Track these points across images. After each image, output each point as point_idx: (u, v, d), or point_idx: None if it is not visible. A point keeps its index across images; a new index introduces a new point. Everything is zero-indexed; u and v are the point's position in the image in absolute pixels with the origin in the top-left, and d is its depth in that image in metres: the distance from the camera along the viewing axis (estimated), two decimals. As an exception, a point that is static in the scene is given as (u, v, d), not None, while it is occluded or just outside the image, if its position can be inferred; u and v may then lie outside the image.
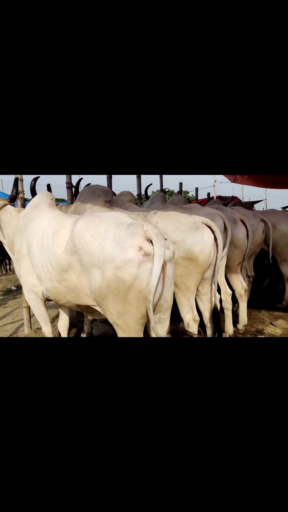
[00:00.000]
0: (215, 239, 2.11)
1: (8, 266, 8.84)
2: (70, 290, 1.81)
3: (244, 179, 7.05)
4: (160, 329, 1.71)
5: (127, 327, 1.60)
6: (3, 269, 8.59)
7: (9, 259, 8.53)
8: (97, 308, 1.74)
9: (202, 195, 9.19)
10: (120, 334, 1.67)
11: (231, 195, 10.95)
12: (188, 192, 19.21)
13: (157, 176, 6.10)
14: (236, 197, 12.27)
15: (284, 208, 14.86)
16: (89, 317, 2.74)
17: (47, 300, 2.27)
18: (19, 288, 5.93)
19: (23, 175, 3.23)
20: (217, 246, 2.13)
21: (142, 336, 1.66)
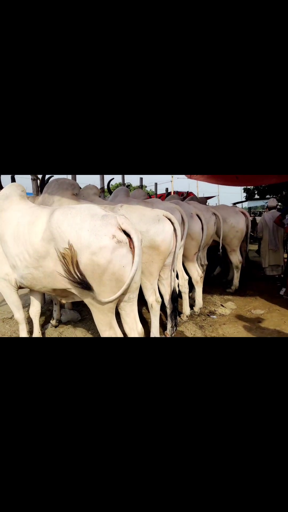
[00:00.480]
0: (175, 230, 2.43)
1: None
2: (47, 275, 1.98)
3: (199, 175, 7.57)
4: (129, 306, 1.98)
5: (101, 306, 1.84)
6: None
7: None
8: (73, 291, 1.94)
9: (160, 190, 9.60)
10: (95, 312, 1.90)
11: (187, 191, 11.55)
12: (146, 186, 19.69)
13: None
14: (191, 193, 12.95)
15: (234, 204, 16.06)
16: (63, 301, 2.90)
17: (19, 287, 2.39)
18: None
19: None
20: (176, 236, 2.46)
21: (113, 313, 1.91)
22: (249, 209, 16.67)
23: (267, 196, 14.97)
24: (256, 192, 16.25)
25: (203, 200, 6.49)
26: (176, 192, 9.23)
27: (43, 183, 3.47)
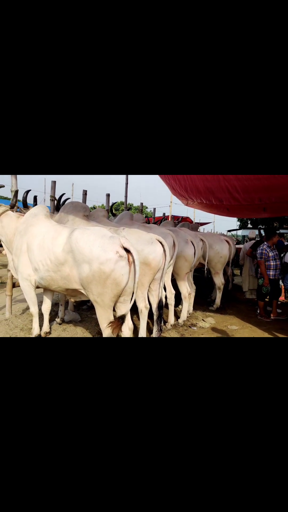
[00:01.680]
0: (164, 251, 3.08)
1: None
2: (63, 278, 2.59)
3: (195, 204, 8.35)
4: (124, 306, 2.59)
5: (103, 303, 2.44)
6: None
7: None
8: (82, 291, 2.55)
9: (159, 213, 10.41)
10: (98, 309, 2.50)
11: (184, 215, 12.38)
12: (147, 207, 20.79)
13: (123, 193, 7.03)
14: (188, 218, 13.79)
15: (229, 230, 16.90)
16: (72, 300, 3.47)
17: (37, 287, 2.98)
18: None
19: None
20: (165, 256, 3.10)
21: (112, 309, 2.51)
22: (243, 237, 17.59)
23: (259, 226, 15.93)
24: (249, 221, 17.25)
25: (195, 226, 7.23)
26: (173, 217, 10.01)
27: (59, 203, 4.15)
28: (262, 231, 6.56)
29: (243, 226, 17.72)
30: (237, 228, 17.64)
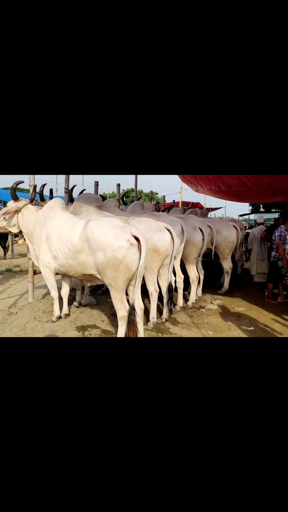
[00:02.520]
0: (172, 238, 3.31)
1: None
2: (80, 264, 2.87)
3: (204, 190, 8.43)
4: (135, 288, 2.86)
5: (117, 286, 2.72)
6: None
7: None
8: (97, 276, 2.83)
9: (169, 199, 10.53)
10: (112, 291, 2.78)
11: (195, 201, 12.41)
12: (157, 193, 20.86)
13: (133, 181, 7.22)
14: (199, 203, 13.81)
15: (241, 215, 16.76)
16: (88, 284, 3.79)
17: (56, 274, 3.29)
18: (5, 271, 6.71)
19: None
20: (173, 243, 3.33)
21: (124, 293, 2.78)
22: (255, 221, 17.43)
23: (272, 210, 15.76)
24: (261, 205, 17.04)
25: (205, 213, 7.36)
26: (183, 203, 10.12)
27: (72, 196, 4.40)
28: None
29: (255, 210, 17.53)
30: (249, 212, 17.46)
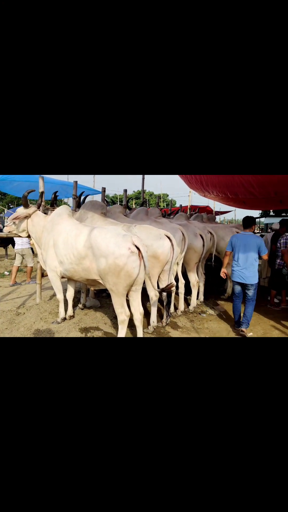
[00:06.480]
0: (172, 245, 3.45)
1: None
2: (84, 270, 3.04)
3: (212, 196, 8.51)
4: (135, 295, 3.00)
5: (118, 292, 2.87)
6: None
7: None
8: (100, 281, 2.99)
9: (179, 202, 10.61)
10: (113, 296, 2.93)
11: (204, 205, 12.47)
12: (167, 195, 21.00)
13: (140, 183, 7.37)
14: (208, 207, 13.86)
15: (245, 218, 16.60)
16: (92, 288, 3.96)
17: (62, 277, 3.47)
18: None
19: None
20: (173, 250, 3.47)
21: (125, 298, 2.93)
22: (266, 225, 17.36)
23: (283, 214, 15.65)
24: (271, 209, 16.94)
25: (212, 217, 7.45)
26: (191, 207, 10.23)
27: (80, 202, 4.60)
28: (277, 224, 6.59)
29: (264, 214, 17.45)
30: (259, 216, 17.40)
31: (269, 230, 7.19)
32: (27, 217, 3.63)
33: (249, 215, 4.15)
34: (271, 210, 17.06)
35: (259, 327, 4.14)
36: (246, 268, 3.74)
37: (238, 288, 3.90)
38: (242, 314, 3.92)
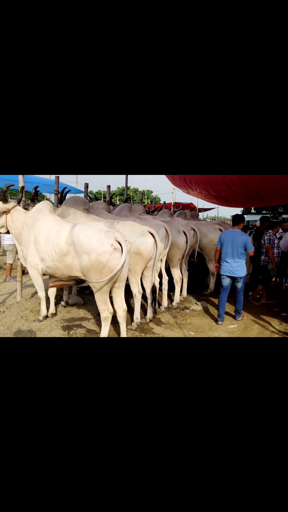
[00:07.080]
0: (155, 242, 3.45)
1: None
2: (66, 267, 2.99)
3: (195, 194, 8.59)
4: (118, 291, 2.99)
5: (101, 288, 2.84)
6: None
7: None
8: (82, 278, 2.95)
9: (163, 199, 10.66)
10: (96, 293, 2.90)
11: (188, 202, 12.57)
12: (152, 192, 21.02)
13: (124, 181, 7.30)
14: (191, 204, 13.99)
15: (233, 216, 16.91)
16: (74, 287, 3.90)
17: (43, 274, 3.40)
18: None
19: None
20: (156, 246, 3.47)
21: (108, 294, 2.91)
22: (248, 222, 17.78)
23: (263, 212, 16.06)
24: (252, 207, 17.33)
25: (195, 214, 7.52)
26: (174, 204, 10.30)
27: (62, 197, 4.50)
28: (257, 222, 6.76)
29: (246, 211, 17.81)
30: (240, 213, 17.76)
31: (250, 226, 7.33)
32: (5, 212, 3.51)
33: (238, 213, 4.33)
34: (252, 208, 17.46)
35: (240, 322, 4.23)
36: (235, 263, 4.00)
37: (226, 282, 4.11)
38: (234, 307, 4.26)
